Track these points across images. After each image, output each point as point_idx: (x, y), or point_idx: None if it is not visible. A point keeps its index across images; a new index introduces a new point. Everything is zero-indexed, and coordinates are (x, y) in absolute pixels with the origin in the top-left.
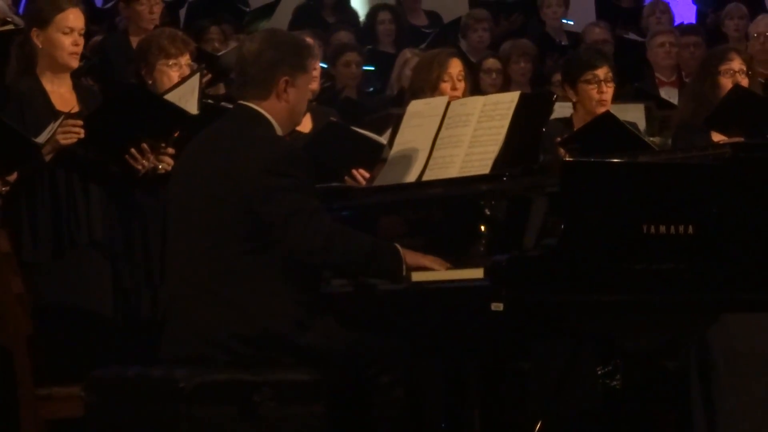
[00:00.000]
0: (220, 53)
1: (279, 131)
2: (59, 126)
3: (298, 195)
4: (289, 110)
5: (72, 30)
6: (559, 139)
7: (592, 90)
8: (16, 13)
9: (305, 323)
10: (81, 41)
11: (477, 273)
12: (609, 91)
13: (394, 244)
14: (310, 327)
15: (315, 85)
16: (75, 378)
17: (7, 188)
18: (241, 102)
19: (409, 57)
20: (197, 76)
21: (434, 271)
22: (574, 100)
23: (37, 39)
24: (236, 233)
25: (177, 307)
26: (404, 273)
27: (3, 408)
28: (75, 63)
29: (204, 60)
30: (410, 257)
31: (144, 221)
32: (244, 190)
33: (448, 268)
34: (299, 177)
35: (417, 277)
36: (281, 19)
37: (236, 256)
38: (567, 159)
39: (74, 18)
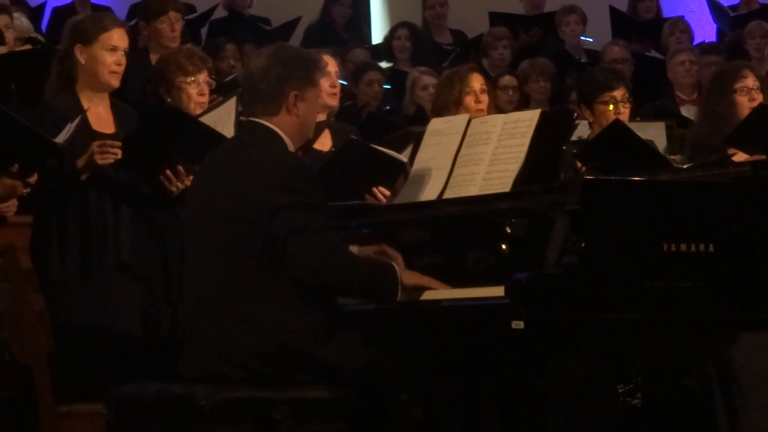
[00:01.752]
0: (226, 79)
1: (290, 146)
2: (97, 146)
3: (303, 213)
4: (300, 124)
5: (116, 49)
6: (574, 151)
7: (610, 111)
8: (38, 30)
9: (323, 338)
10: (124, 61)
11: (497, 291)
12: (626, 111)
13: (393, 266)
14: (328, 342)
15: (335, 102)
16: (95, 395)
17: (28, 190)
18: (251, 119)
19: (417, 76)
20: (234, 99)
21: (454, 290)
22: (590, 120)
23: (80, 55)
24: (249, 250)
25: (193, 325)
26: (399, 297)
27: (23, 425)
28: (116, 82)
29: (216, 82)
30: (408, 277)
31: (162, 239)
32: (254, 206)
33: (445, 288)
34: (307, 193)
35: (437, 295)
36: (294, 36)
37: (250, 273)
38: (587, 177)
39: (119, 37)
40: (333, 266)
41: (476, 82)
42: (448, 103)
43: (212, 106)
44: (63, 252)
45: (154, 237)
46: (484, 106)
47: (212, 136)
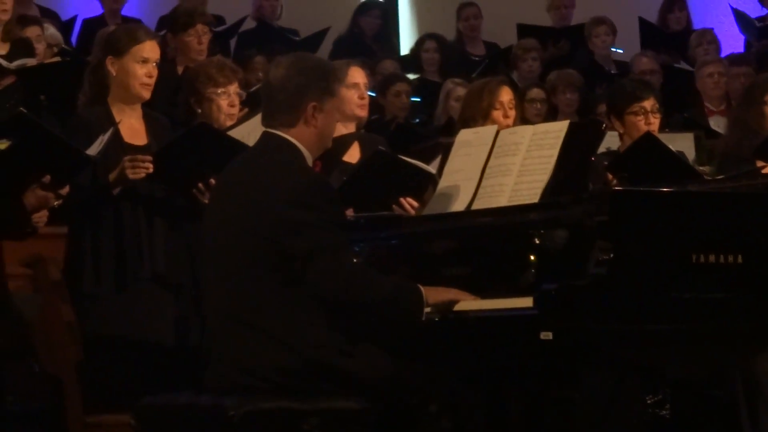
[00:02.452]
0: (252, 89)
1: (309, 158)
2: (128, 161)
3: (321, 231)
4: (318, 135)
5: (147, 61)
6: (606, 163)
7: (640, 121)
8: (68, 43)
9: (347, 350)
10: (155, 73)
11: (526, 302)
12: (656, 121)
13: (417, 285)
14: (353, 354)
15: (364, 113)
16: (124, 406)
17: (60, 201)
18: (270, 130)
19: (452, 87)
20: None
21: (483, 301)
22: (621, 131)
23: (111, 67)
24: (266, 266)
25: (216, 339)
26: (424, 316)
27: None
28: (147, 94)
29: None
30: (433, 295)
31: (190, 249)
32: (270, 223)
33: (473, 299)
34: (324, 209)
35: (466, 306)
36: (323, 48)
37: (269, 289)
38: (616, 188)
39: (150, 49)
40: (356, 286)
41: (506, 95)
42: (476, 115)
43: (242, 119)
44: (97, 265)
45: (187, 248)
46: (511, 120)
47: (242, 149)
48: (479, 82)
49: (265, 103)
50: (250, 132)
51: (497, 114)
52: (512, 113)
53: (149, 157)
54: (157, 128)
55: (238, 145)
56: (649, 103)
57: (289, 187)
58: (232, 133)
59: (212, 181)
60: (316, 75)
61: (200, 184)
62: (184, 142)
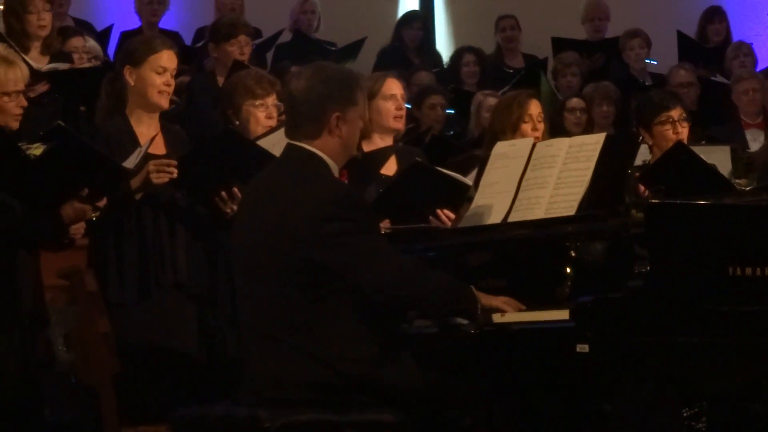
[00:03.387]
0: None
1: (334, 169)
2: (153, 165)
3: (359, 237)
4: (343, 145)
5: (165, 70)
6: (637, 175)
7: (668, 131)
8: (105, 53)
9: (381, 363)
10: (172, 82)
11: (562, 314)
12: (684, 131)
13: (465, 284)
14: (387, 366)
15: (400, 125)
16: (160, 417)
17: (97, 214)
18: (294, 143)
19: (482, 99)
20: None
21: (518, 313)
22: (650, 143)
23: (129, 77)
24: (298, 284)
25: (250, 355)
26: (479, 311)
27: None
28: (165, 103)
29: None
30: (485, 298)
31: (210, 258)
32: (302, 240)
33: (520, 309)
34: (358, 219)
35: (501, 318)
36: (366, 61)
37: (301, 306)
38: (652, 201)
39: (167, 58)
40: (411, 279)
41: (535, 109)
42: (505, 128)
43: (271, 129)
44: (121, 273)
45: (220, 260)
46: (540, 133)
47: (268, 158)
48: (508, 95)
49: (288, 115)
50: (276, 142)
51: (526, 127)
52: (541, 126)
53: (174, 162)
54: (174, 139)
55: (264, 155)
56: (676, 113)
57: (318, 202)
58: (260, 142)
59: (235, 189)
60: (338, 85)
61: (223, 193)
62: (210, 149)
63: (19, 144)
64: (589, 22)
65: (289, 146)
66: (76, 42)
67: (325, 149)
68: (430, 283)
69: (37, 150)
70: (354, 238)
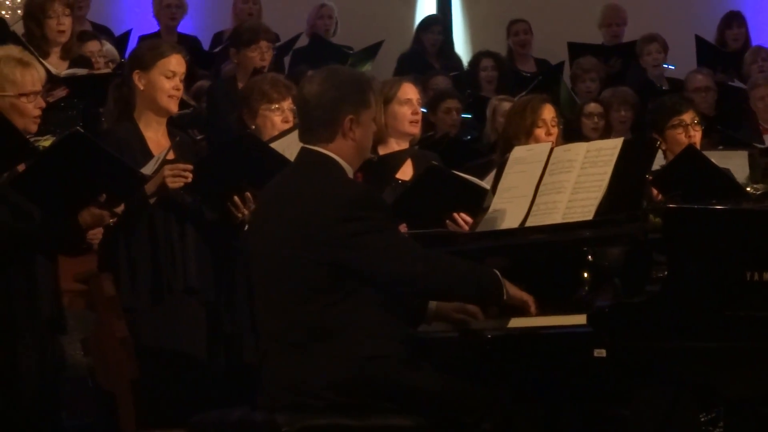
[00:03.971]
0: None
1: (349, 171)
2: (169, 170)
3: (379, 234)
4: (357, 148)
5: (174, 74)
6: (650, 178)
7: (680, 135)
8: (123, 58)
9: (403, 364)
10: (181, 86)
11: (580, 319)
12: (696, 134)
13: (489, 267)
14: (408, 369)
15: (416, 130)
16: (178, 421)
17: (114, 220)
18: (307, 146)
19: (497, 104)
20: None
21: (536, 317)
22: (663, 147)
23: (138, 81)
24: (320, 287)
25: (268, 360)
26: (505, 295)
27: None
28: (174, 107)
29: None
30: (512, 288)
31: (217, 263)
32: (322, 243)
33: (537, 314)
34: (376, 217)
35: (519, 323)
36: (386, 66)
37: (327, 307)
38: (670, 206)
39: (176, 63)
40: (439, 267)
41: (548, 113)
42: (519, 133)
43: (283, 132)
44: (133, 278)
45: (238, 264)
46: (554, 137)
47: (282, 162)
48: (521, 100)
49: (302, 120)
50: (289, 145)
51: (540, 132)
52: (555, 130)
53: (189, 167)
54: (182, 145)
55: (278, 159)
56: (688, 116)
57: (334, 203)
58: (273, 145)
59: (248, 194)
60: (351, 87)
61: (236, 198)
62: (225, 154)
63: (29, 137)
64: (607, 27)
65: (303, 150)
66: (92, 46)
67: (339, 152)
68: (455, 270)
69: (46, 142)
70: (374, 236)
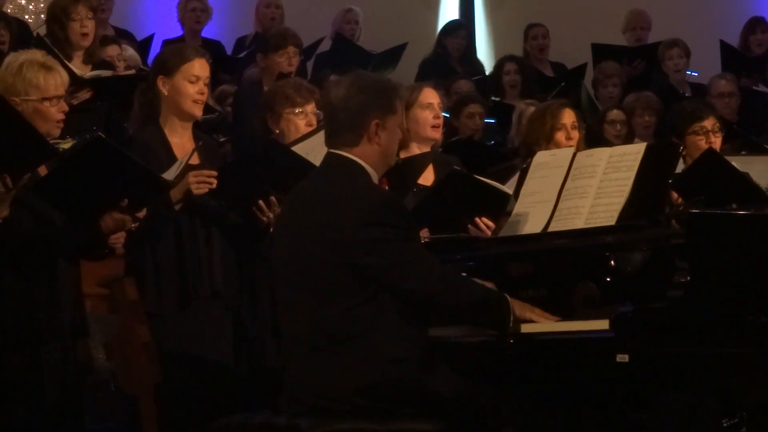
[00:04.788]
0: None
1: (374, 177)
2: (193, 176)
3: (401, 244)
4: (382, 153)
5: (198, 79)
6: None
7: (701, 141)
8: (145, 63)
9: (425, 368)
10: (206, 91)
11: (602, 324)
12: (717, 141)
13: (504, 295)
14: (428, 373)
15: (438, 135)
16: (200, 426)
17: (136, 224)
18: (333, 151)
19: (524, 108)
20: None
21: (558, 322)
22: (683, 152)
23: (162, 87)
24: (345, 288)
25: (291, 365)
26: (512, 324)
27: None
28: (198, 112)
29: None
30: (518, 308)
31: (243, 268)
32: (345, 245)
33: (559, 319)
34: (398, 225)
35: (541, 327)
36: (408, 70)
37: (348, 310)
38: (693, 211)
39: (200, 67)
40: (453, 288)
41: (568, 118)
42: (540, 138)
43: (305, 135)
44: (159, 284)
45: (260, 268)
46: (574, 142)
47: (305, 166)
48: (542, 105)
49: (328, 124)
50: (312, 148)
51: (560, 136)
52: (575, 134)
53: (214, 173)
54: (207, 149)
55: (303, 163)
56: (709, 123)
57: (360, 207)
58: (295, 148)
59: (273, 198)
60: (377, 92)
61: (260, 202)
62: (251, 161)
63: (49, 140)
64: (631, 31)
65: (329, 154)
66: (111, 51)
67: (364, 157)
68: (468, 294)
69: (65, 144)
70: (395, 245)
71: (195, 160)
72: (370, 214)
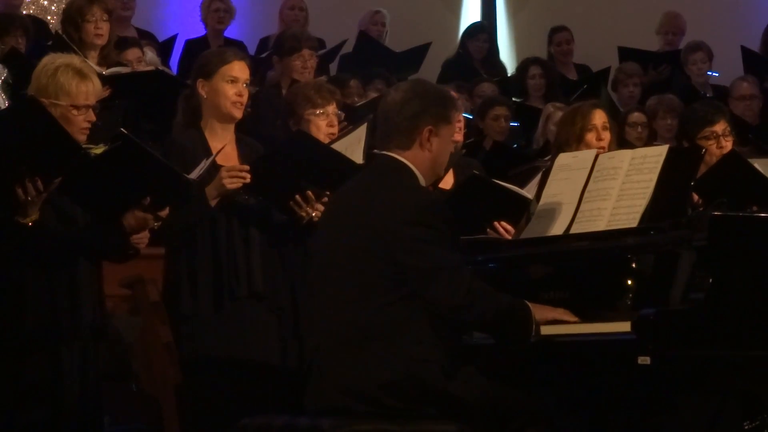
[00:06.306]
0: (358, 104)
1: (422, 181)
2: (225, 171)
3: (440, 249)
4: (432, 160)
5: (236, 80)
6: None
7: (712, 145)
8: (166, 64)
9: (451, 371)
10: (245, 92)
11: (624, 326)
12: (728, 144)
13: (526, 304)
14: (454, 374)
15: (459, 136)
16: (222, 427)
17: (159, 223)
18: (384, 152)
19: (552, 111)
20: (364, 126)
21: (580, 325)
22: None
23: (202, 90)
24: (382, 285)
25: (322, 359)
26: (533, 337)
27: None
28: (238, 113)
29: (343, 111)
30: (539, 312)
31: (291, 270)
32: (387, 241)
33: (577, 321)
34: (441, 229)
35: (563, 329)
36: (430, 71)
37: (382, 307)
38: (715, 213)
39: (239, 69)
40: (478, 303)
41: (599, 119)
42: (570, 139)
43: (343, 133)
44: (194, 286)
45: (282, 269)
46: (605, 143)
47: (341, 161)
48: (572, 106)
49: (382, 126)
50: (350, 144)
51: (591, 137)
52: (606, 135)
53: (246, 167)
54: (248, 153)
55: (336, 156)
56: (720, 127)
57: (406, 205)
58: (334, 146)
59: (310, 193)
60: (434, 100)
61: (297, 197)
62: (282, 152)
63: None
64: (663, 35)
65: (379, 156)
66: (131, 54)
67: (414, 161)
68: (496, 307)
69: (97, 150)
70: (434, 249)
71: (234, 161)
72: (416, 213)
